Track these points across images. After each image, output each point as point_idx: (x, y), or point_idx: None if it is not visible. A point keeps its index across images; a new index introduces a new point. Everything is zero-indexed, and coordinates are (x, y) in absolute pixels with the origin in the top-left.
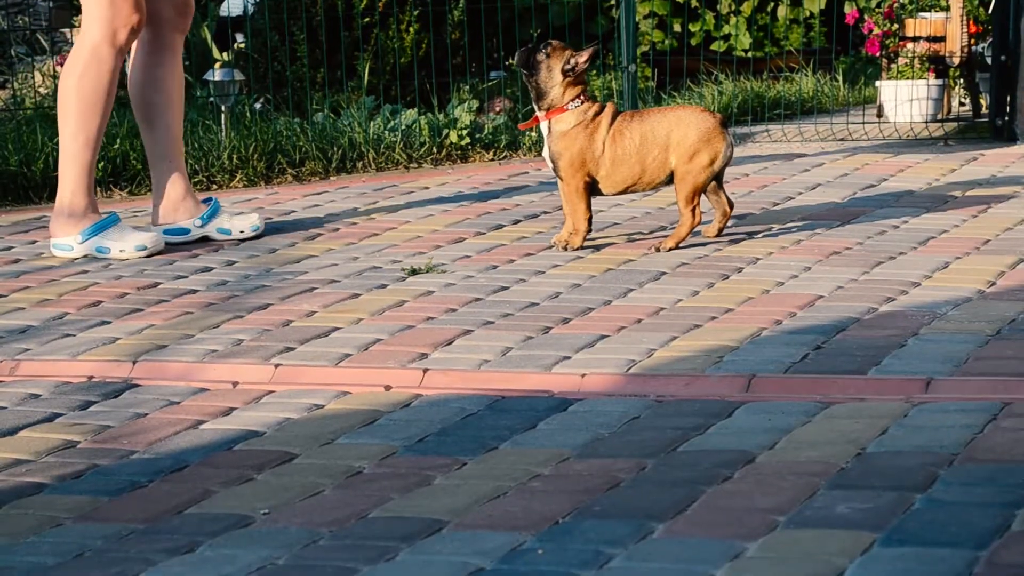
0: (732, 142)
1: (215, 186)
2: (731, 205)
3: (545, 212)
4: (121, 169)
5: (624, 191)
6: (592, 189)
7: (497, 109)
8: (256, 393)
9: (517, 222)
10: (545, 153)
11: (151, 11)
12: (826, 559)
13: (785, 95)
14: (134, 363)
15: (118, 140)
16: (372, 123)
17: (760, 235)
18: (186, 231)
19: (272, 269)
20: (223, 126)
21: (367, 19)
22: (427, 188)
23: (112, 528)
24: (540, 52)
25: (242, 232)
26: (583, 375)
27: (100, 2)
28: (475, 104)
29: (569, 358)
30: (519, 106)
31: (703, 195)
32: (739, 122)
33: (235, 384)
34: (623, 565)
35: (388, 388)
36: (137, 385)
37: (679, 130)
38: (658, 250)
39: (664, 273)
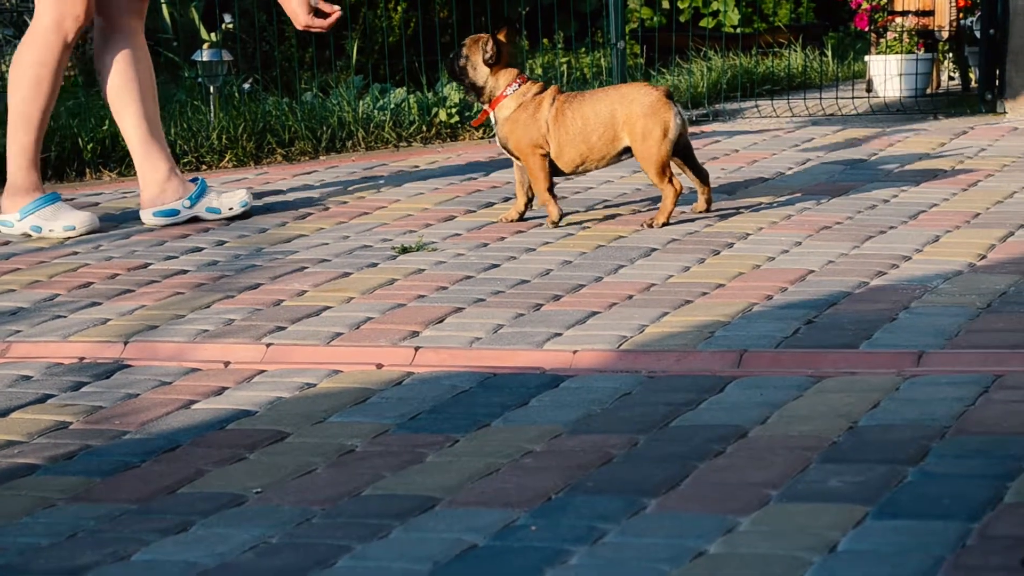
0: (680, 112)
1: (204, 166)
2: (705, 177)
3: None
4: (110, 150)
5: (576, 170)
6: (552, 167)
7: None
8: (248, 373)
9: (507, 200)
10: (499, 142)
11: None
12: (819, 532)
13: (774, 71)
14: (125, 344)
15: (107, 122)
16: (361, 102)
17: (750, 210)
18: (175, 212)
19: (262, 249)
20: (212, 106)
21: None
22: (417, 167)
23: (105, 508)
24: (460, 57)
25: (231, 209)
26: (574, 352)
27: None
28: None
29: (560, 335)
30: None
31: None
32: (728, 98)
33: (227, 364)
34: (616, 540)
35: (380, 366)
36: (129, 366)
37: (623, 107)
38: (650, 226)
39: (655, 249)
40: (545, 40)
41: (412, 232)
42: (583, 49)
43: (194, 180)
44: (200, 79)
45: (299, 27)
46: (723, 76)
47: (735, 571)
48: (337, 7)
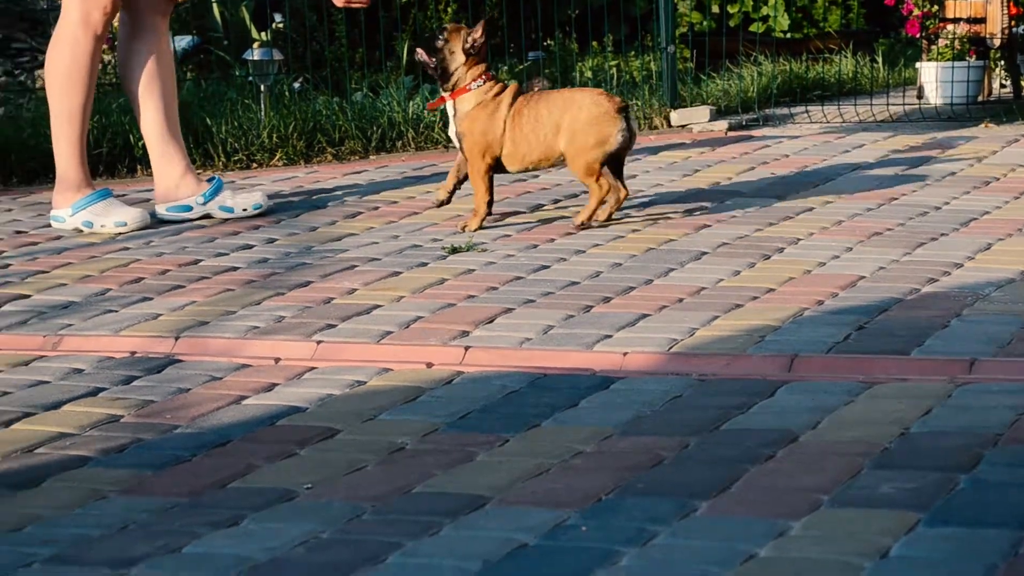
0: (627, 128)
1: (255, 165)
2: (626, 192)
3: (584, 191)
4: None
5: (526, 169)
6: (496, 167)
7: (535, 89)
8: (298, 369)
9: (556, 201)
10: (451, 132)
11: None
12: (870, 538)
13: (825, 76)
14: (176, 339)
15: None
16: (411, 103)
17: (801, 215)
18: (188, 208)
19: (312, 247)
20: (262, 105)
21: None
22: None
23: (156, 501)
24: (439, 38)
25: (244, 210)
26: (624, 353)
27: None
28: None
29: (610, 336)
30: (558, 86)
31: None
32: (779, 103)
33: (277, 360)
34: (667, 542)
35: (430, 365)
36: (179, 361)
37: (571, 112)
38: (584, 226)
39: (705, 253)
40: (595, 43)
41: (462, 233)
42: (632, 52)
43: (210, 179)
44: (251, 78)
45: (338, 4)
46: (773, 81)
47: (786, 575)
48: None
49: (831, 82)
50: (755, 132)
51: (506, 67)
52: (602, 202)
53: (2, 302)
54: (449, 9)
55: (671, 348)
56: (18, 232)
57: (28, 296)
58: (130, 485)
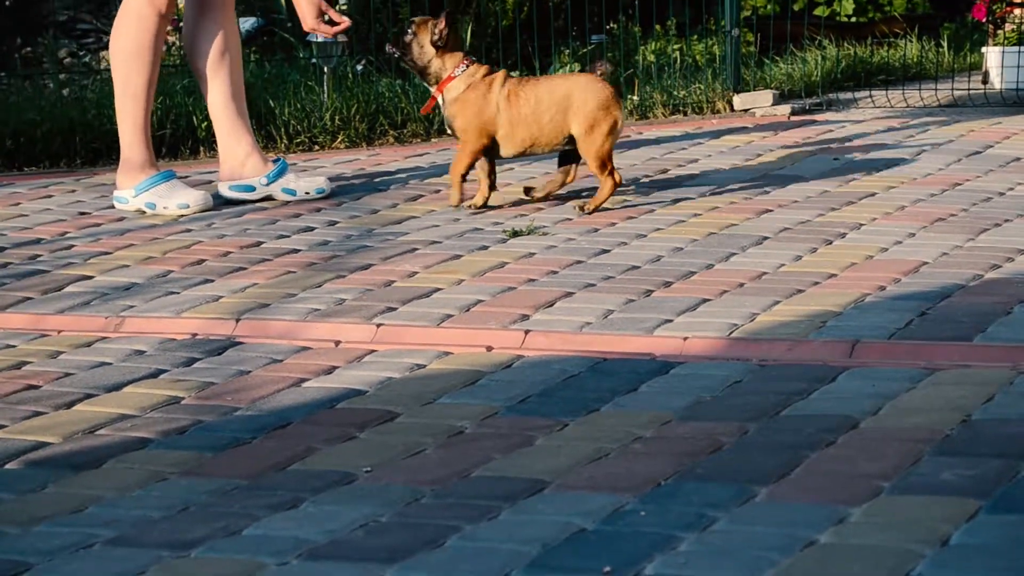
0: (622, 111)
1: (317, 147)
2: (573, 177)
3: (646, 175)
4: None
5: (523, 152)
6: (492, 151)
7: (599, 72)
8: (358, 352)
9: (617, 185)
10: (445, 123)
11: None
12: (931, 525)
13: (889, 61)
14: (237, 321)
15: None
16: None
17: (863, 200)
18: (251, 188)
19: (373, 230)
20: (325, 87)
21: None
22: None
23: (216, 483)
24: (407, 33)
25: (307, 193)
26: (685, 338)
27: None
28: (577, 67)
29: (671, 321)
30: (620, 69)
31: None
32: (843, 88)
33: (337, 343)
34: (726, 528)
35: (490, 349)
36: (240, 343)
37: (578, 95)
38: (582, 210)
39: (766, 238)
40: (658, 26)
41: (523, 216)
42: (695, 36)
43: (275, 160)
44: (314, 60)
45: (306, 29)
46: (837, 65)
47: (846, 562)
48: (347, 19)
49: (895, 67)
50: (818, 116)
51: (568, 50)
52: (614, 191)
53: (65, 283)
54: None
55: (732, 333)
56: (82, 213)
57: (91, 277)
58: (190, 467)
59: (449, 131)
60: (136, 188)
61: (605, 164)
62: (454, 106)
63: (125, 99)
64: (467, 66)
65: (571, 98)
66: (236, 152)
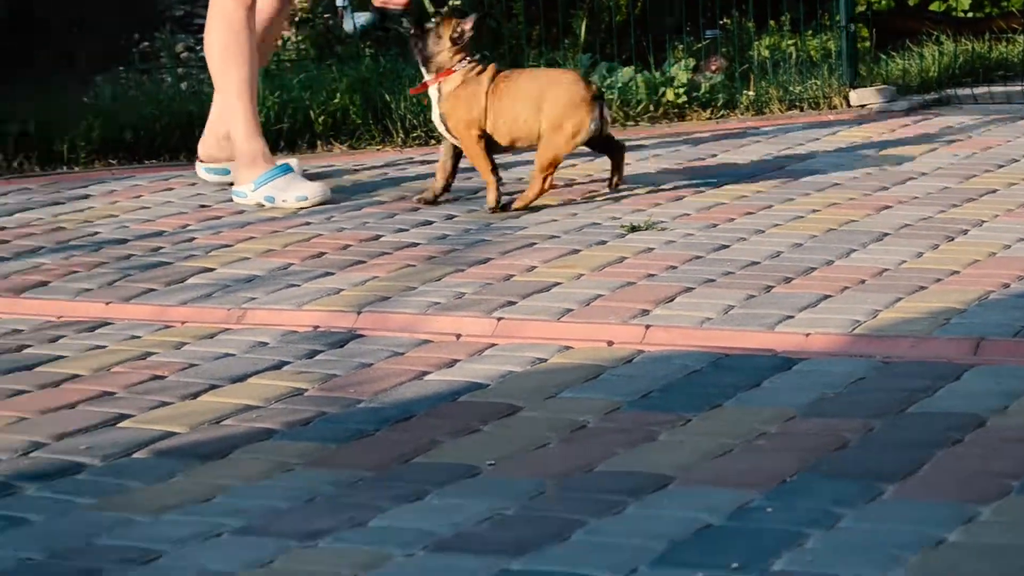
0: (600, 116)
1: (433, 141)
2: (619, 164)
3: (764, 171)
4: (341, 123)
5: (512, 145)
6: (489, 145)
7: (713, 68)
8: (479, 345)
9: (736, 181)
10: (435, 116)
11: None
12: None
13: (1008, 56)
14: (358, 314)
15: (338, 95)
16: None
17: (984, 197)
18: (227, 171)
19: (492, 224)
20: None
21: None
22: (644, 146)
23: (341, 475)
24: (432, 21)
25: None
26: (807, 334)
27: None
28: (692, 62)
29: (792, 317)
30: (735, 65)
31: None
32: (960, 84)
33: (458, 336)
34: (853, 526)
35: (610, 343)
36: (362, 335)
37: (552, 91)
38: (500, 208)
39: (887, 234)
40: (772, 22)
41: (641, 211)
42: (810, 32)
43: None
44: None
45: (375, 3)
46: (955, 61)
47: (975, 561)
48: None
49: (1014, 62)
50: (936, 112)
51: (682, 46)
52: (540, 196)
53: (188, 275)
54: None
55: (854, 330)
56: (202, 206)
57: (213, 269)
58: (315, 458)
59: (441, 128)
60: (255, 182)
61: (550, 166)
62: (448, 102)
63: (230, 96)
64: (468, 62)
65: (545, 94)
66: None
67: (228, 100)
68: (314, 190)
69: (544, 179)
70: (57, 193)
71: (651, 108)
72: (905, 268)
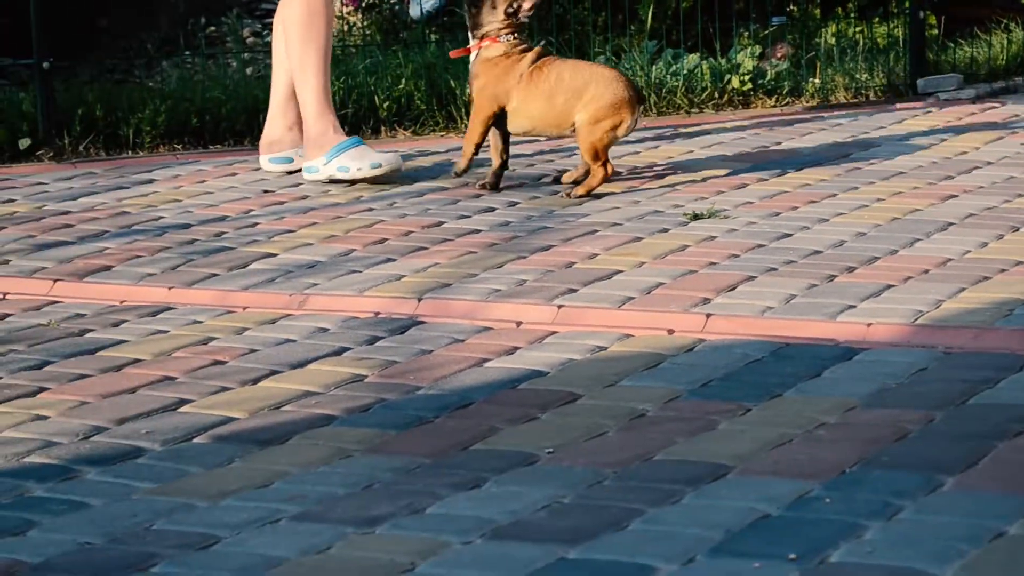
0: (639, 117)
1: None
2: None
3: (829, 159)
4: (406, 109)
5: (530, 131)
6: (500, 123)
7: (779, 55)
8: (539, 333)
9: (800, 169)
10: (469, 81)
11: None
12: None
13: None
14: (419, 300)
15: (403, 80)
16: (654, 67)
17: None
18: (290, 159)
19: (554, 211)
20: None
21: None
22: (708, 133)
23: (400, 461)
24: None
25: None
26: (869, 324)
27: None
28: (757, 49)
29: (854, 307)
30: (801, 52)
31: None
32: None
33: (518, 324)
34: (912, 517)
35: (671, 332)
36: (422, 322)
37: (596, 86)
38: (568, 196)
39: (951, 223)
40: (839, 9)
41: (703, 199)
42: (877, 19)
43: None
44: None
45: None
46: (1023, 49)
47: None
48: None
49: None
50: (1003, 101)
51: (748, 32)
52: (605, 179)
53: (250, 260)
54: None
55: (916, 320)
56: (265, 191)
57: (275, 255)
58: (374, 444)
59: (468, 90)
60: (327, 155)
61: (599, 155)
62: (483, 65)
63: (306, 73)
64: (515, 37)
65: (588, 87)
66: (280, 124)
67: (304, 77)
68: (388, 158)
69: (603, 166)
70: (121, 178)
71: (716, 95)
72: (969, 258)
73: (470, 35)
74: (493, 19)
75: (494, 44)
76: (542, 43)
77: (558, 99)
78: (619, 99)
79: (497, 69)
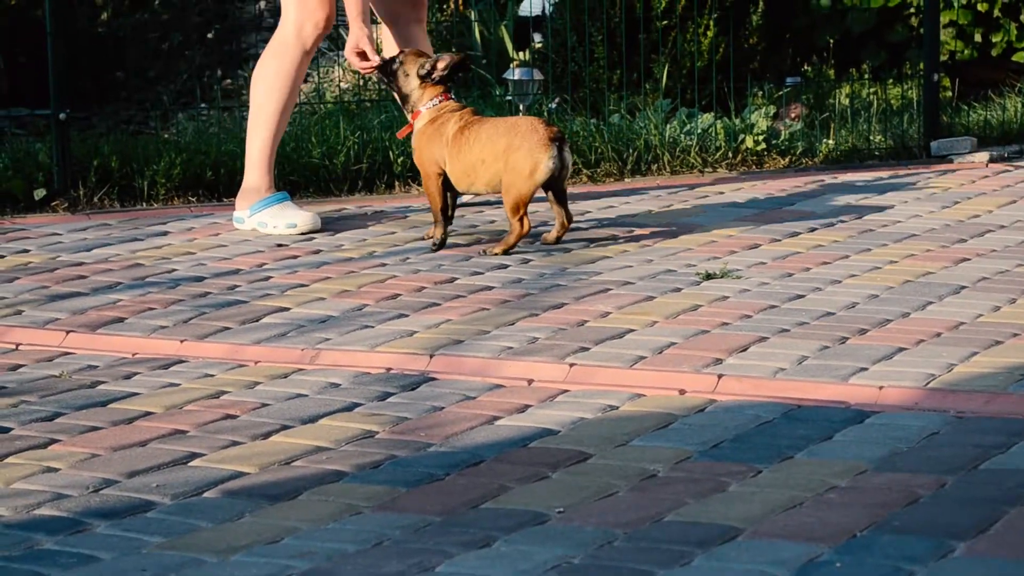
0: (558, 156)
1: None
2: (569, 218)
3: (842, 221)
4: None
5: (468, 189)
6: (448, 185)
7: (793, 115)
8: (551, 391)
9: (813, 230)
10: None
11: (389, 10)
12: None
13: None
14: (431, 356)
15: None
16: (668, 126)
17: None
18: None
19: (567, 269)
20: None
21: (665, 21)
22: (722, 193)
23: (409, 519)
24: (395, 61)
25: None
26: (880, 387)
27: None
28: (771, 110)
29: (866, 369)
30: (815, 113)
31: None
32: None
33: (530, 382)
34: None
35: (682, 392)
36: (434, 378)
37: (511, 137)
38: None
39: (964, 287)
40: (853, 70)
41: (716, 258)
42: (891, 80)
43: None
44: (510, 97)
45: (345, 54)
46: None
47: None
48: (377, 60)
49: None
50: (1018, 164)
51: (762, 92)
52: (521, 238)
53: (263, 314)
54: (709, 33)
55: (928, 383)
56: (279, 245)
57: (288, 309)
58: (384, 501)
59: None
60: (251, 209)
61: (518, 208)
62: (415, 139)
63: (257, 123)
64: (439, 101)
65: (504, 139)
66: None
67: (254, 127)
68: (304, 218)
69: (519, 221)
70: (136, 229)
71: (729, 155)
72: (981, 322)
73: (404, 112)
74: (411, 87)
75: (421, 114)
76: (464, 105)
77: (484, 157)
78: (534, 143)
79: (426, 137)
